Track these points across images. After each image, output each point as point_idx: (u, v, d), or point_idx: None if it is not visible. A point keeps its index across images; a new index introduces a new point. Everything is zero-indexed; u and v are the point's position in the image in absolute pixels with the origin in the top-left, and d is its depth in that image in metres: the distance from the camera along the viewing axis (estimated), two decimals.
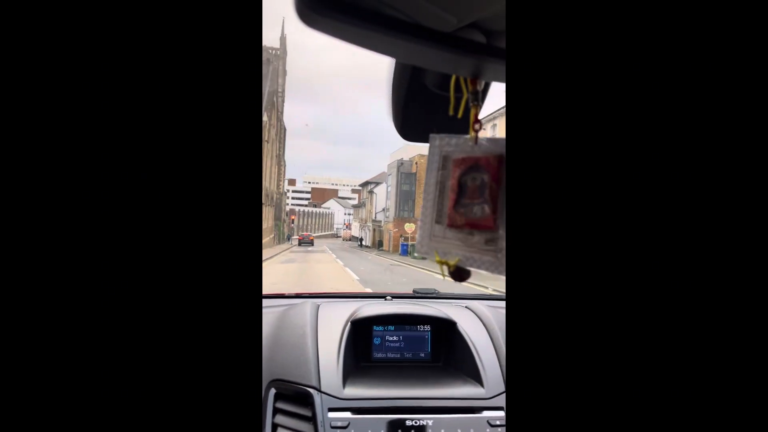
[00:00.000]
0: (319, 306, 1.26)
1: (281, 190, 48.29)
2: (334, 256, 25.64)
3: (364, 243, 48.83)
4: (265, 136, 29.69)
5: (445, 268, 0.38)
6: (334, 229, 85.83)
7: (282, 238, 46.40)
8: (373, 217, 44.97)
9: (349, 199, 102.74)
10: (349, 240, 65.18)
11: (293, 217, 46.53)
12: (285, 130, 50.78)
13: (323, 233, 73.89)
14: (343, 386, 0.98)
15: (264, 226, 31.39)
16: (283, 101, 48.72)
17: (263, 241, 32.51)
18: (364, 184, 50.98)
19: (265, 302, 1.43)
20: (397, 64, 0.43)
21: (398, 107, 0.45)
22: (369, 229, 46.90)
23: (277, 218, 45.23)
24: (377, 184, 47.17)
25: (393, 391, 1.01)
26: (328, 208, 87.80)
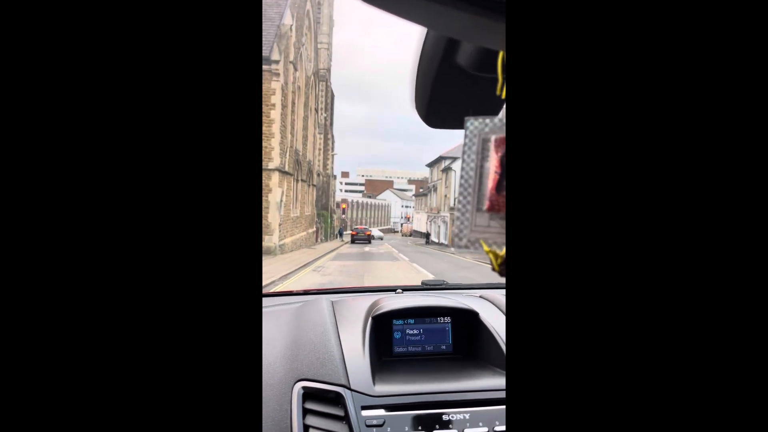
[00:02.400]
0: (333, 302, 1.22)
1: (328, 171, 35.87)
2: (427, 272, 12.16)
3: (432, 239, 35.87)
4: (290, 55, 16.96)
5: (493, 259, 0.35)
6: (391, 223, 73.38)
7: (330, 233, 33.81)
8: (452, 204, 31.42)
9: (406, 190, 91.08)
10: (410, 235, 53.00)
11: (344, 206, 34.00)
12: (333, 96, 38.30)
13: (379, 228, 61.32)
14: (373, 383, 0.92)
15: (297, 213, 18.65)
16: (329, 56, 36.19)
17: (299, 235, 20.08)
18: (435, 162, 37.56)
19: (274, 300, 1.43)
20: (426, 46, 0.39)
21: (425, 92, 0.41)
22: (443, 221, 33.52)
23: (324, 207, 32.98)
24: (455, 159, 33.47)
25: (424, 385, 0.95)
26: (384, 200, 75.17)
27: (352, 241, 30.60)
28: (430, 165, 39.92)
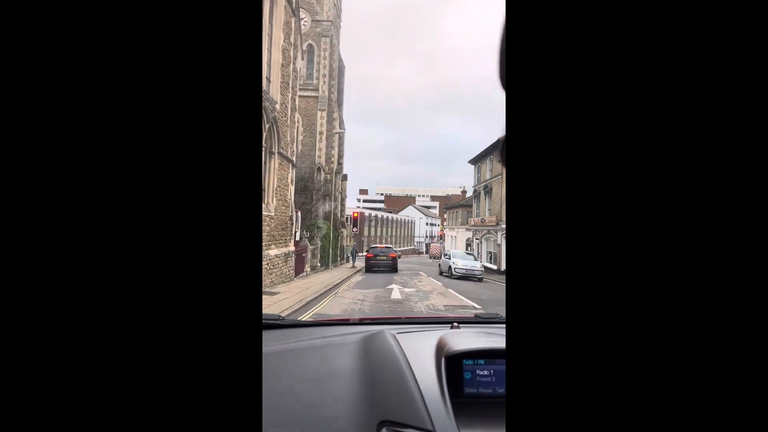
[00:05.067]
0: (395, 336, 1.16)
1: (333, 165, 23.79)
2: None
3: (486, 264, 23.17)
4: None
5: None
6: (415, 243, 60.82)
7: (335, 255, 21.32)
8: None
9: (430, 207, 78.89)
10: (439, 257, 40.40)
11: (356, 215, 21.84)
12: (343, 65, 26.61)
13: (401, 248, 48.71)
14: (458, 430, 0.84)
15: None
16: (336, 5, 24.70)
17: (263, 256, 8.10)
18: (486, 153, 25.03)
19: (332, 330, 1.39)
20: None
21: None
22: (502, 238, 20.76)
23: (325, 217, 20.82)
24: None
25: None
26: (407, 216, 62.72)
27: (368, 269, 18.30)
28: (476, 160, 27.46)
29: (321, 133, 22.96)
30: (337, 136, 24.38)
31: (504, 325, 1.43)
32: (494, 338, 1.10)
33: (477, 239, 26.48)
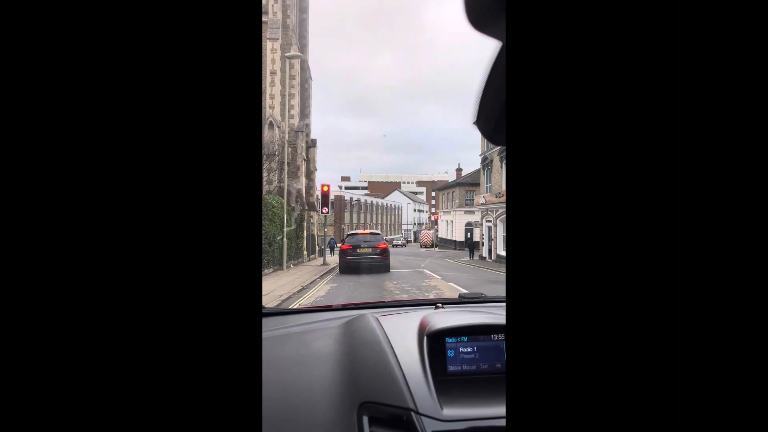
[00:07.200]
0: (378, 318, 1.17)
1: (294, 120, 16.48)
2: None
3: (480, 254, 16.80)
4: None
5: None
6: (402, 230, 54.04)
7: (286, 249, 13.88)
8: None
9: (417, 193, 72.22)
10: (432, 246, 34.11)
11: (325, 189, 14.64)
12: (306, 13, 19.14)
13: (386, 237, 41.87)
14: (440, 406, 0.85)
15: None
16: None
17: None
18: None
19: (314, 316, 1.40)
20: (502, 60, 0.36)
21: (493, 109, 0.38)
22: None
23: (280, 193, 13.62)
24: None
25: (493, 408, 0.86)
26: (394, 201, 55.69)
27: (344, 269, 11.63)
28: None
29: (273, 73, 15.58)
30: (296, 66, 16.94)
31: (489, 304, 1.44)
32: (478, 315, 1.07)
33: (488, 221, 19.54)
